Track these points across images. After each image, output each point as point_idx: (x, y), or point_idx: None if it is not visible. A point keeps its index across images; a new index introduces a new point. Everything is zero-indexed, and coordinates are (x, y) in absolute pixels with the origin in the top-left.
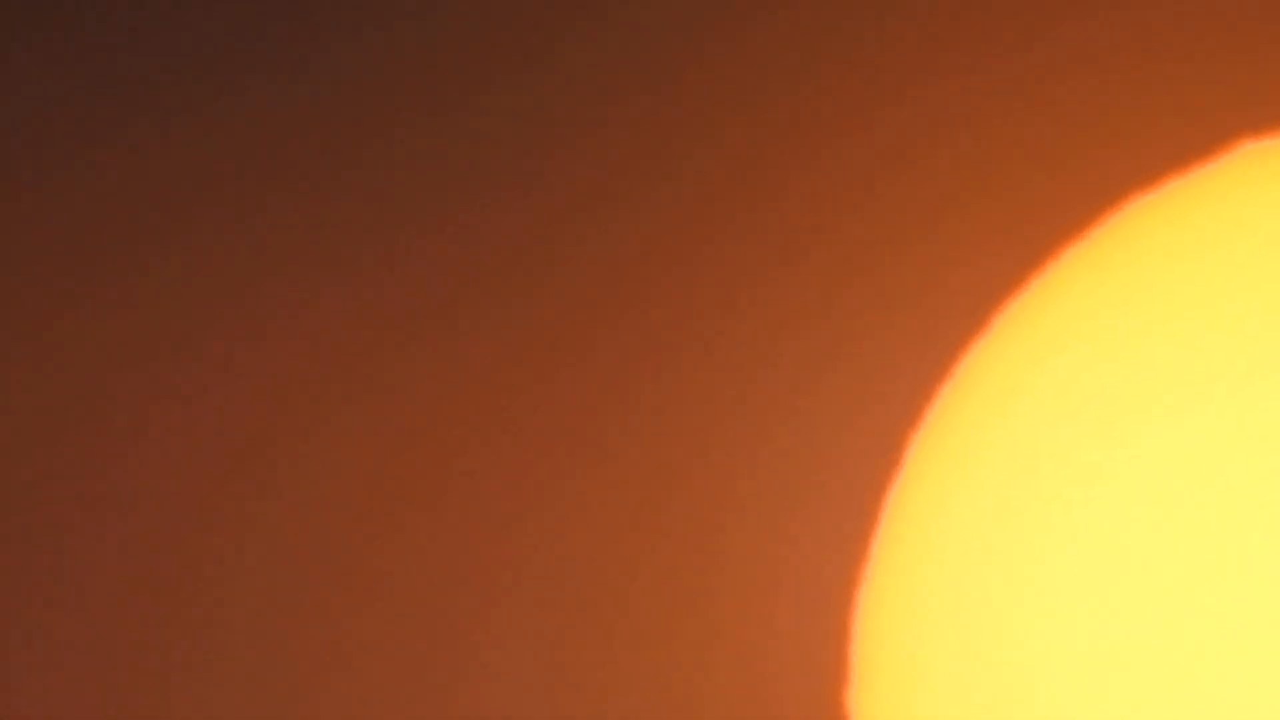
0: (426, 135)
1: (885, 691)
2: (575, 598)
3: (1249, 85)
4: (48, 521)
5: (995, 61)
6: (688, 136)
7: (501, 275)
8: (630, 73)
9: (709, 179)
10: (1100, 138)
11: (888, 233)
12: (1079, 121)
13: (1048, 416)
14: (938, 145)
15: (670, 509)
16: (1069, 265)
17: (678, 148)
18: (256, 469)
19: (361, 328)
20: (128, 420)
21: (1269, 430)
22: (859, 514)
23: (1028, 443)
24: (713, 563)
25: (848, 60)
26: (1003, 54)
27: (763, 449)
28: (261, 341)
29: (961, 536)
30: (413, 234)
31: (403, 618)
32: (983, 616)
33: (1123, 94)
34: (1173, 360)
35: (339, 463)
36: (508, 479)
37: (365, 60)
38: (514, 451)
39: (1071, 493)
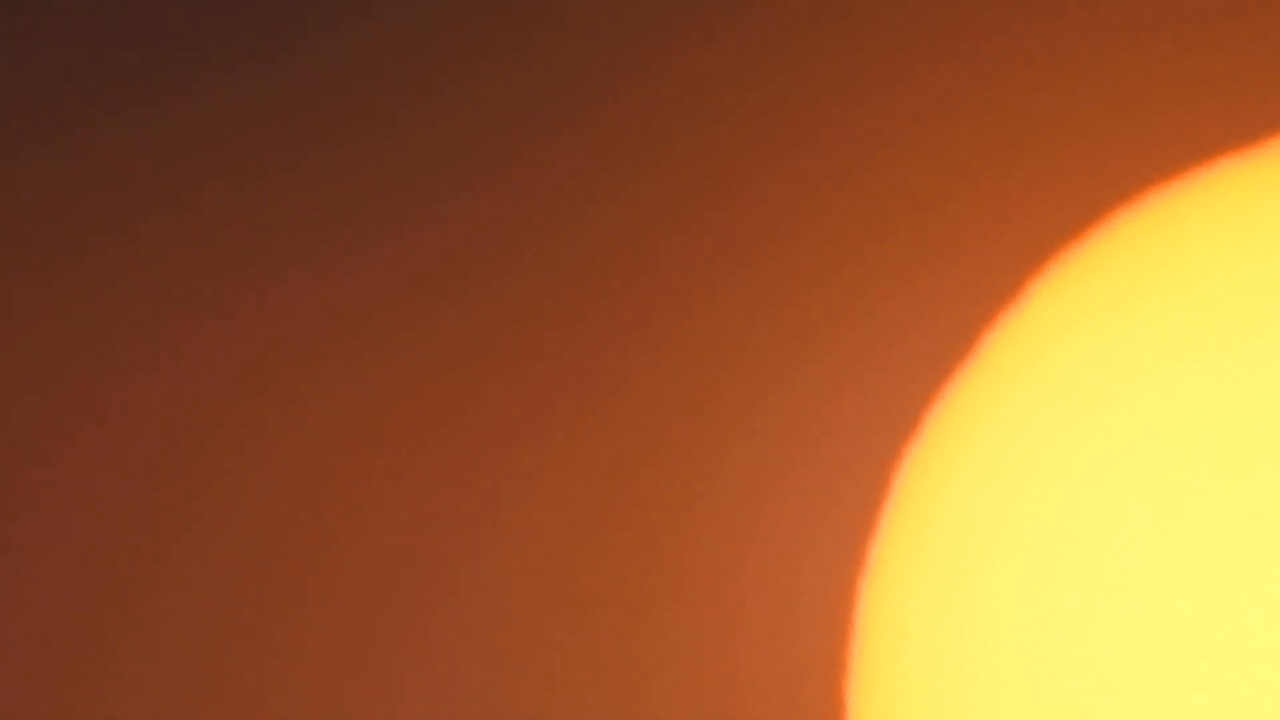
0: (401, 126)
1: (886, 691)
2: (571, 598)
3: (1239, 92)
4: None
5: (994, 58)
6: (683, 129)
7: (489, 262)
8: (619, 68)
9: (714, 168)
10: (1099, 134)
11: (888, 230)
12: (1081, 118)
13: (1047, 419)
14: (942, 141)
15: (667, 505)
16: (1069, 265)
17: (672, 140)
18: (232, 462)
19: (343, 325)
20: (90, 405)
21: (1271, 429)
22: (860, 512)
23: (1027, 444)
24: (710, 561)
25: (842, 58)
26: (1002, 48)
27: (761, 449)
28: (233, 331)
29: (962, 537)
30: (384, 229)
31: (371, 610)
32: (981, 617)
33: (1120, 94)
34: (1175, 360)
35: (326, 459)
36: (499, 477)
37: (339, 48)
38: (507, 449)
39: (1071, 493)
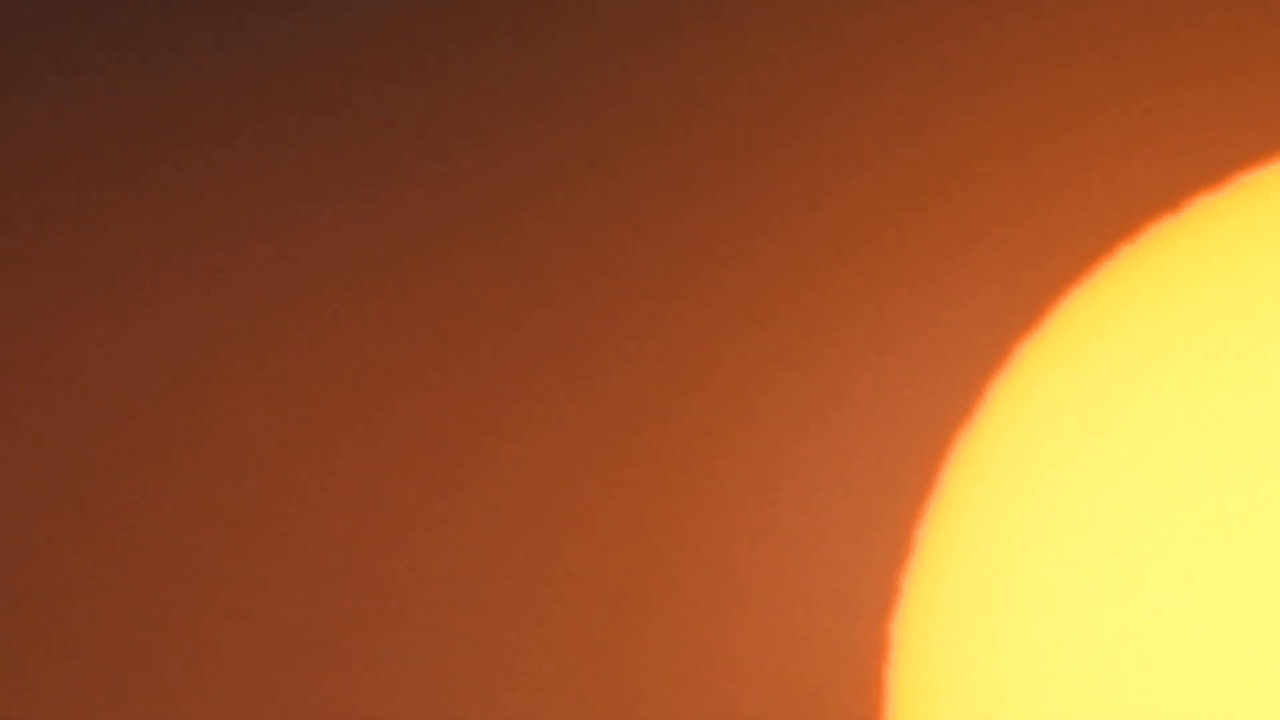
0: (391, 103)
1: (921, 703)
2: (599, 607)
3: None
4: None
5: (1034, 62)
6: (731, 146)
7: (481, 240)
8: (624, 46)
9: (754, 185)
10: (1141, 140)
11: (922, 246)
12: (1121, 124)
13: (1086, 429)
14: (977, 160)
15: (700, 516)
16: (1111, 267)
17: (719, 154)
18: (199, 441)
19: (321, 303)
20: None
21: None
22: (896, 525)
23: (1065, 454)
24: (745, 572)
25: (876, 45)
26: (1040, 51)
27: (798, 460)
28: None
29: (998, 551)
30: (370, 208)
31: (415, 624)
32: (1019, 629)
33: (1159, 103)
34: (1220, 365)
35: (298, 442)
36: (526, 485)
37: (318, 13)
38: (533, 458)
39: (1112, 504)
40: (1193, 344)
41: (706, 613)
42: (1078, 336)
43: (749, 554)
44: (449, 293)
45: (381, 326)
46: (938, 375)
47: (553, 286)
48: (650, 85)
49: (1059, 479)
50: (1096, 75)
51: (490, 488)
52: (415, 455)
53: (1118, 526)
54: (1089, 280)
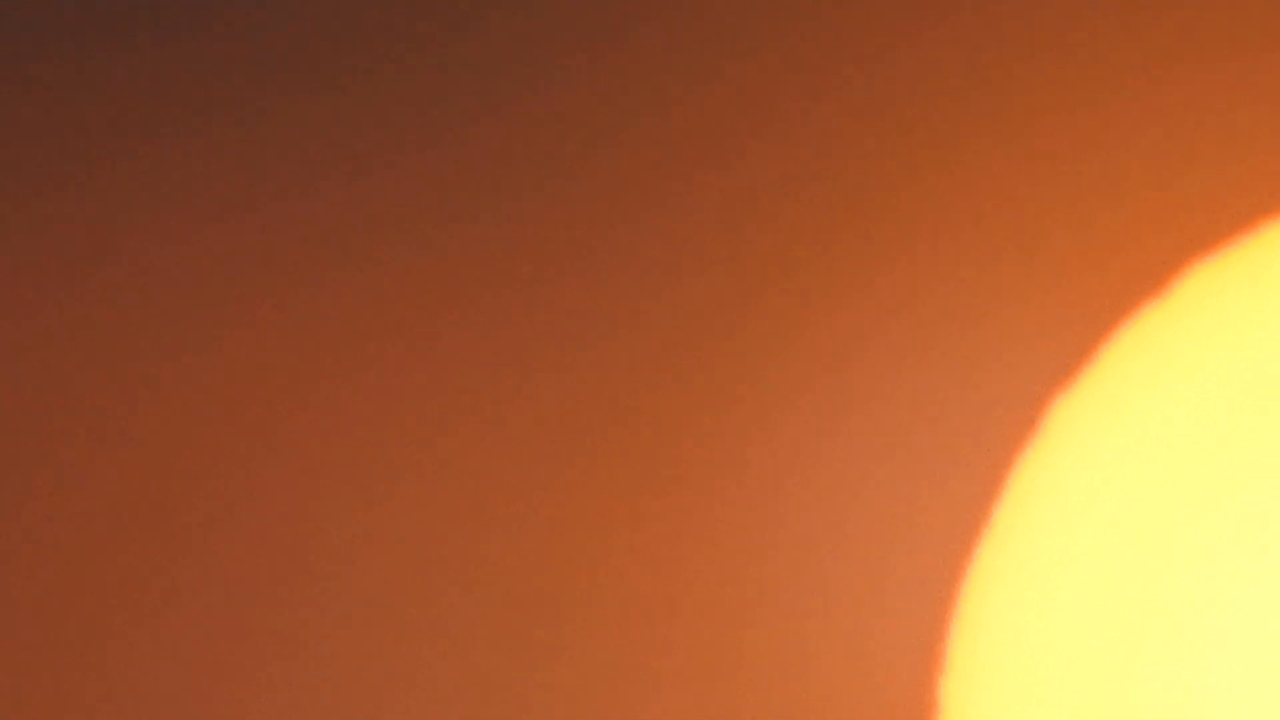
0: (433, 129)
1: (981, 688)
2: (627, 619)
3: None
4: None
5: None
6: (773, 162)
7: (522, 263)
8: (674, 67)
9: (797, 202)
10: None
11: (977, 258)
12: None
13: (1144, 450)
14: (1033, 174)
15: (733, 528)
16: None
17: (781, 165)
18: (250, 468)
19: (366, 329)
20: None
21: None
22: (962, 530)
23: (1123, 476)
24: (778, 588)
25: (934, 70)
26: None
27: (869, 465)
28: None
29: (1064, 553)
30: (411, 234)
31: (394, 618)
32: (1083, 625)
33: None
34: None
35: (350, 464)
36: (531, 482)
37: (370, 53)
38: (538, 454)
39: (1172, 527)
40: (1261, 368)
41: (738, 625)
42: (1143, 358)
43: (781, 571)
44: (485, 312)
45: (428, 345)
46: (995, 391)
47: (588, 301)
48: (696, 101)
49: (1118, 499)
50: (1171, 95)
51: (517, 499)
52: (448, 468)
53: (1176, 550)
54: (1153, 301)
